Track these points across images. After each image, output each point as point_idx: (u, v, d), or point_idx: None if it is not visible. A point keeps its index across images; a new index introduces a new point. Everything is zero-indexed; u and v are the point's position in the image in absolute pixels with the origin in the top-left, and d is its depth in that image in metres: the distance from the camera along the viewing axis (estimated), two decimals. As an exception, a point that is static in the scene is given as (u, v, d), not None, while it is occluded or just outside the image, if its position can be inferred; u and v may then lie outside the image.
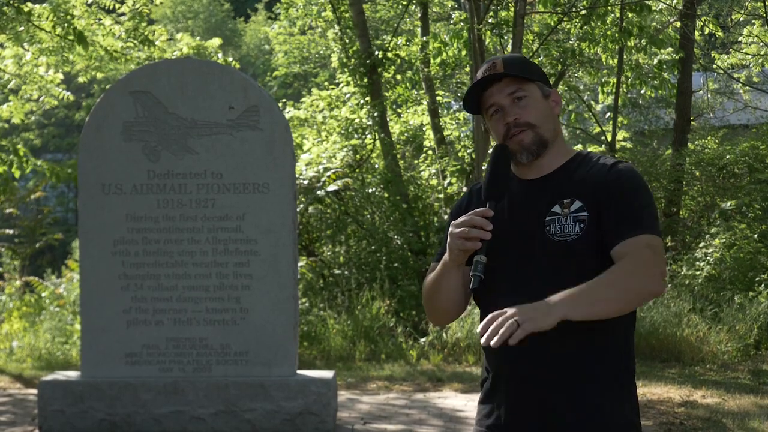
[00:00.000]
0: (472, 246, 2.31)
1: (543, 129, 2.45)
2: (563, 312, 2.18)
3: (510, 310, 2.15)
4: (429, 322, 2.59)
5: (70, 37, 10.92)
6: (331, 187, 11.12)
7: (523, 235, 2.40)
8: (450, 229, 2.38)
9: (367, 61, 12.73)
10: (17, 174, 9.68)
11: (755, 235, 10.43)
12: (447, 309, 2.52)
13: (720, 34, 14.35)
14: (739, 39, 15.30)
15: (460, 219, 2.36)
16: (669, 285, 9.86)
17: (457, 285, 2.46)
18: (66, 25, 11.01)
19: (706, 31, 13.61)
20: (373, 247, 11.41)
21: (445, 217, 12.03)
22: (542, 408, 2.36)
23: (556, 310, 2.18)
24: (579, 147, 15.83)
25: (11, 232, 15.06)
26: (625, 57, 12.22)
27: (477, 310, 9.10)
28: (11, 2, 10.64)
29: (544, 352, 2.33)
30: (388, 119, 13.46)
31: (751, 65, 15.36)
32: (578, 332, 2.30)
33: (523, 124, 2.43)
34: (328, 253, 11.68)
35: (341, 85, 13.87)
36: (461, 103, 16.77)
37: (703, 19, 13.26)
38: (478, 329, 2.19)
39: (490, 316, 2.17)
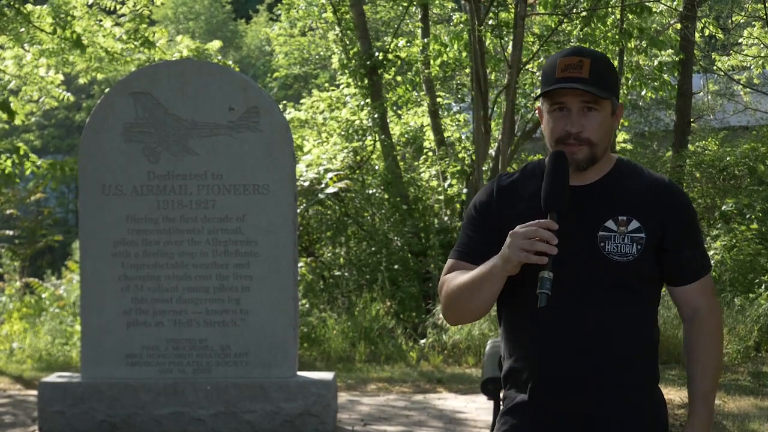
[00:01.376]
0: (536, 260, 2.19)
1: (599, 148, 2.37)
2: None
3: None
4: (445, 319, 2.53)
5: (68, 38, 10.93)
6: (332, 189, 11.11)
7: (572, 247, 2.30)
8: (511, 240, 2.23)
9: (368, 63, 12.72)
10: (9, 171, 9.66)
11: (753, 235, 10.42)
12: (476, 311, 2.40)
13: (720, 35, 14.35)
14: (740, 41, 15.30)
15: (523, 230, 2.22)
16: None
17: (498, 291, 2.35)
18: (65, 26, 11.01)
19: (707, 32, 13.61)
20: (373, 249, 11.41)
21: (446, 218, 12.03)
22: (583, 425, 2.35)
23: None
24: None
25: (11, 233, 15.06)
26: (625, 58, 12.22)
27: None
28: (12, 3, 10.64)
29: (591, 369, 2.33)
30: (388, 121, 13.45)
31: (751, 67, 15.36)
32: (625, 350, 2.35)
33: (584, 140, 2.34)
34: (329, 255, 11.68)
35: (342, 87, 13.86)
36: (461, 104, 16.74)
37: (703, 20, 13.26)
38: None
39: None
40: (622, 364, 2.34)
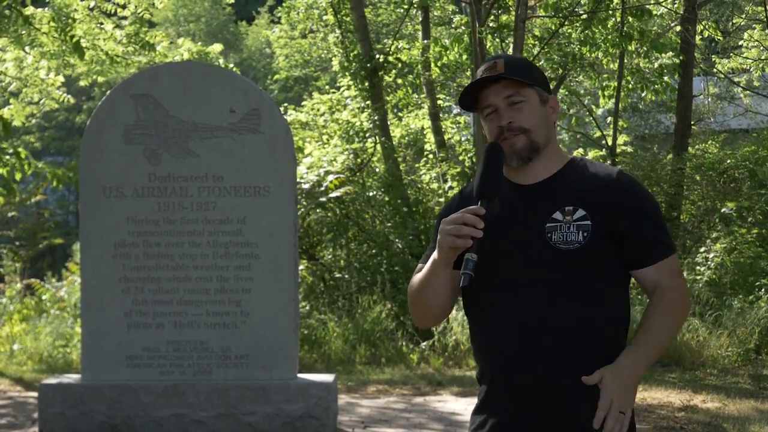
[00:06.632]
0: (462, 244, 2.29)
1: (536, 134, 2.43)
2: (641, 375, 2.40)
3: (612, 403, 2.29)
4: (414, 322, 2.66)
5: (68, 42, 10.95)
6: (335, 194, 11.12)
7: (521, 240, 2.38)
8: (440, 227, 2.35)
9: (368, 65, 12.74)
10: (18, 176, 9.69)
11: (753, 238, 10.42)
12: (433, 309, 2.48)
13: (721, 38, 14.36)
14: (740, 43, 15.32)
15: (451, 216, 2.33)
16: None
17: (445, 285, 2.43)
18: (66, 29, 11.02)
19: (707, 35, 13.62)
20: (373, 251, 11.41)
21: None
22: (540, 413, 2.35)
23: (637, 379, 2.38)
24: (580, 151, 15.83)
25: (12, 234, 15.07)
26: (625, 61, 12.23)
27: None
28: (13, 5, 10.65)
29: (543, 358, 2.34)
30: (388, 123, 13.47)
31: (751, 69, 15.38)
32: (578, 338, 2.35)
33: (517, 129, 2.42)
34: (329, 257, 11.68)
35: (342, 89, 13.88)
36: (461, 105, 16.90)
37: (703, 23, 13.27)
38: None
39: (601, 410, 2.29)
40: (570, 352, 2.34)
